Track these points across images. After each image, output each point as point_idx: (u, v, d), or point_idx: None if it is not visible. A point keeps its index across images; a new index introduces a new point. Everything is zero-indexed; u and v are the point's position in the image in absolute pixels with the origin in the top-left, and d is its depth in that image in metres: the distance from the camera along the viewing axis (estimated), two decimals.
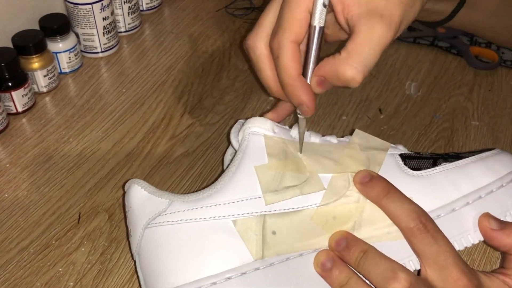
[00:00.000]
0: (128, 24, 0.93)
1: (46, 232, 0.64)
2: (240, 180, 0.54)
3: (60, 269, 0.61)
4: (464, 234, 0.54)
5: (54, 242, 0.63)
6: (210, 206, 0.53)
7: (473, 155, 0.58)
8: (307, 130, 0.58)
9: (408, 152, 0.59)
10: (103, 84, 0.84)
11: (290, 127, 0.59)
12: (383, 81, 0.85)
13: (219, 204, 0.53)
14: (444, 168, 0.56)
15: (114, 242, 0.63)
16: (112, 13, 0.87)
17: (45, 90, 0.81)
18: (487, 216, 0.54)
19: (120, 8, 0.90)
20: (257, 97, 0.82)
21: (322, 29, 0.54)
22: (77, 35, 0.86)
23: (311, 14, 0.53)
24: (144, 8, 0.97)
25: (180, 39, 0.94)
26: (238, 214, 0.53)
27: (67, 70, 0.85)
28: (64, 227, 0.65)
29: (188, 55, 0.90)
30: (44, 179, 0.70)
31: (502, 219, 0.54)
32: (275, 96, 0.60)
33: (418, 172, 0.56)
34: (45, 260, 0.61)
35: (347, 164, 0.55)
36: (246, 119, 0.58)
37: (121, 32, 0.93)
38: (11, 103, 0.76)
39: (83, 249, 0.62)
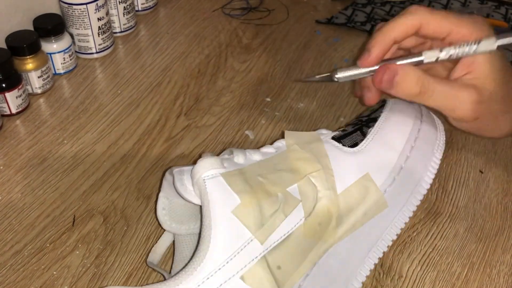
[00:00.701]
0: (123, 24, 0.93)
1: (41, 235, 0.64)
2: (223, 233, 0.49)
3: (54, 273, 0.61)
4: (419, 181, 0.58)
5: (48, 245, 0.63)
6: (208, 278, 0.48)
7: (378, 111, 0.63)
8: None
9: (335, 132, 0.60)
10: (98, 85, 0.85)
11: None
12: None
13: (216, 271, 0.49)
14: (372, 135, 0.59)
15: (109, 245, 0.63)
16: (107, 13, 0.88)
17: (39, 91, 0.82)
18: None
19: (115, 8, 0.91)
20: (253, 99, 0.82)
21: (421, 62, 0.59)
22: (71, 35, 0.86)
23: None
24: (140, 9, 0.98)
25: (176, 40, 0.94)
26: (241, 268, 0.49)
27: (61, 71, 0.85)
28: (58, 230, 0.65)
29: (184, 56, 0.90)
30: (38, 182, 0.70)
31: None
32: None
33: (357, 148, 0.58)
34: (39, 263, 0.61)
35: (301, 168, 0.55)
36: (169, 168, 0.56)
37: (116, 32, 0.93)
38: (5, 105, 0.77)
39: (77, 252, 0.63)
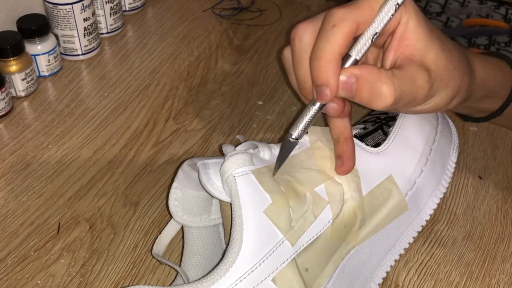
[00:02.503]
0: (110, 25, 0.93)
1: (24, 243, 0.64)
2: (255, 234, 0.49)
3: (39, 282, 0.61)
4: (437, 185, 0.60)
5: (32, 253, 0.63)
6: (241, 280, 0.49)
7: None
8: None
9: (355, 130, 0.61)
10: (84, 88, 0.85)
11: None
12: None
13: (249, 273, 0.49)
14: (394, 135, 0.60)
15: (95, 253, 0.63)
16: (94, 13, 0.88)
17: (23, 94, 0.82)
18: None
19: (101, 9, 0.91)
20: (245, 102, 0.83)
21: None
22: (56, 36, 0.86)
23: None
24: (127, 9, 0.98)
25: (165, 41, 0.94)
26: (273, 271, 0.50)
27: (46, 74, 0.85)
28: (43, 237, 0.65)
29: (172, 58, 0.91)
30: (22, 188, 0.70)
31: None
32: (298, 80, 0.53)
33: (380, 149, 0.58)
34: (23, 272, 0.62)
35: (327, 168, 0.55)
36: (189, 159, 0.56)
37: (102, 33, 0.93)
38: None
39: (63, 260, 0.63)
